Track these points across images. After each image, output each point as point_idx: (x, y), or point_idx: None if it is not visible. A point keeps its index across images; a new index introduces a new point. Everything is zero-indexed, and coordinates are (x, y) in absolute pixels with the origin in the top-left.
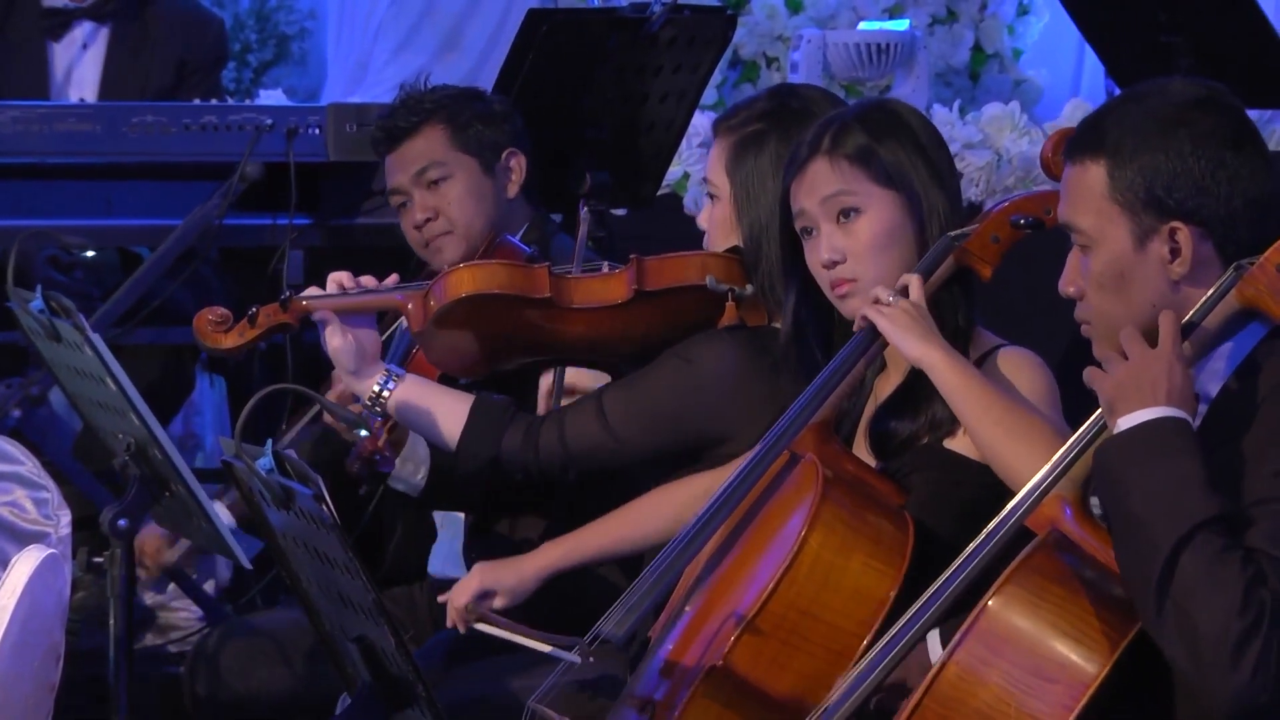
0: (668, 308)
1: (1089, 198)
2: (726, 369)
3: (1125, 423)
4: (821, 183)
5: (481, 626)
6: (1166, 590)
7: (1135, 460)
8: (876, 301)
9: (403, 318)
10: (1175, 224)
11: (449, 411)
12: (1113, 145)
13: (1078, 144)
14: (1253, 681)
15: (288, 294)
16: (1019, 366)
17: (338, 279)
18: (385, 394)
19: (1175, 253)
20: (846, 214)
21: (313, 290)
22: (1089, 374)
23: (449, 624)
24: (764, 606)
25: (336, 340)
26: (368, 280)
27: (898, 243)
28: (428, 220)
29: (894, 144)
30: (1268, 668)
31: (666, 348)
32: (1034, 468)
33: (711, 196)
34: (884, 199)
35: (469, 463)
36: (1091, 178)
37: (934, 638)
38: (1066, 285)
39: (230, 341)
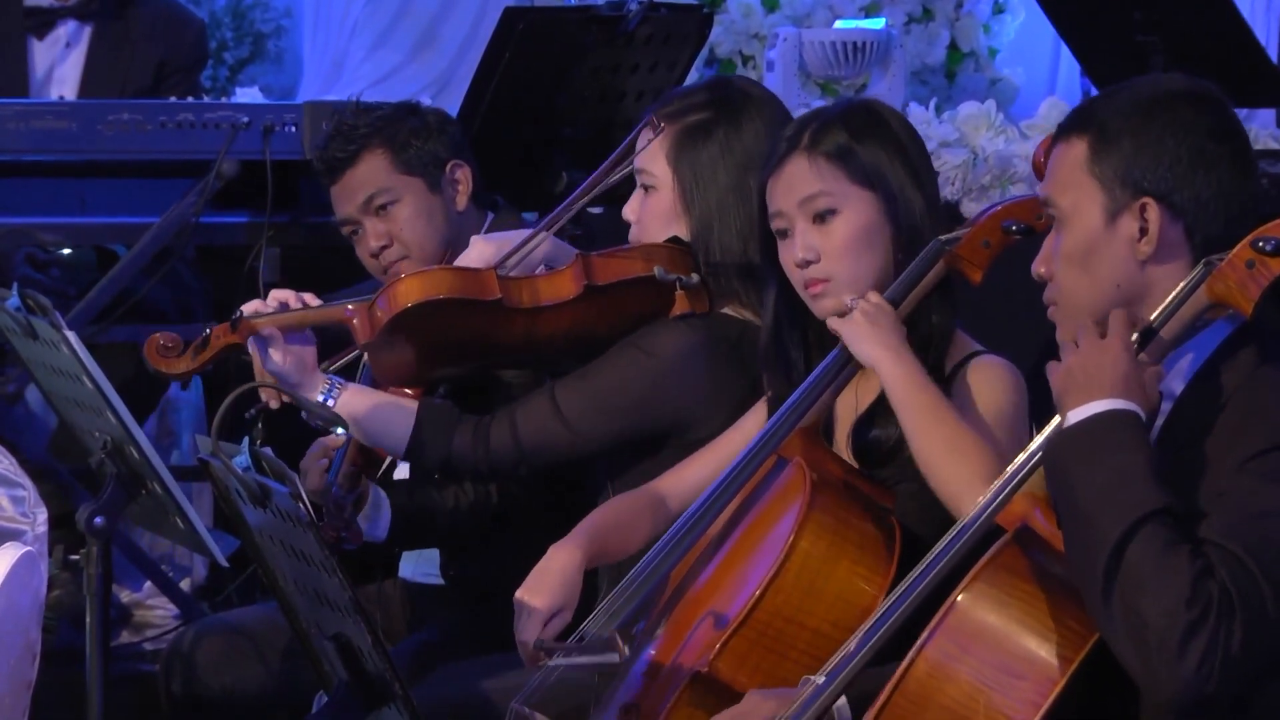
0: (616, 301)
1: (1069, 171)
2: (685, 356)
3: (1073, 416)
4: (799, 183)
5: (557, 661)
6: (1113, 582)
7: (1081, 454)
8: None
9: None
10: (1146, 200)
11: (395, 415)
12: (1099, 123)
13: (1068, 123)
14: (1199, 673)
15: (238, 315)
16: (987, 378)
17: (280, 296)
18: (330, 403)
19: (1144, 231)
20: (823, 216)
21: (257, 307)
22: (1049, 367)
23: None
24: (750, 613)
25: (278, 356)
26: (309, 297)
27: (873, 244)
28: (383, 248)
29: (874, 144)
30: (1214, 660)
31: (614, 343)
32: (969, 489)
33: (646, 187)
34: (861, 199)
35: (420, 465)
36: (1074, 152)
37: (842, 703)
38: (1038, 266)
39: (183, 366)
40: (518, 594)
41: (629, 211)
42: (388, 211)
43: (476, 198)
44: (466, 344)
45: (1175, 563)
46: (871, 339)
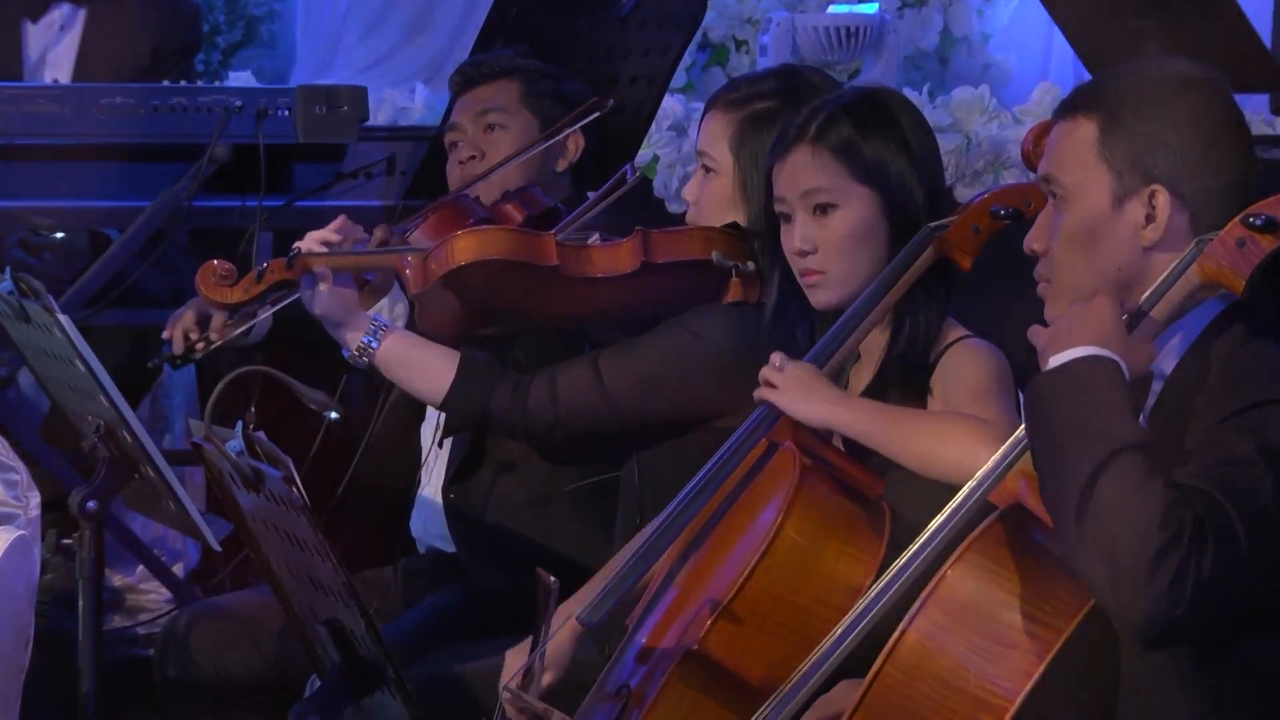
0: (670, 281)
1: (1076, 151)
2: (732, 345)
3: (1054, 361)
4: (802, 174)
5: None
6: (1085, 510)
7: (1059, 392)
8: (764, 380)
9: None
10: (1156, 187)
11: (436, 366)
12: (1110, 105)
13: (1072, 102)
14: (1170, 592)
15: (295, 251)
16: (964, 358)
17: (320, 236)
18: (373, 347)
19: (1150, 218)
20: (823, 209)
21: (314, 245)
22: (1032, 331)
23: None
24: (739, 592)
25: (326, 294)
26: (352, 230)
27: (870, 241)
28: (471, 158)
29: (879, 139)
30: (1185, 582)
31: (659, 323)
32: (974, 456)
33: (707, 169)
34: (861, 197)
35: (456, 417)
36: (1082, 133)
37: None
38: (1033, 241)
39: (235, 297)
40: (508, 652)
41: (688, 193)
42: (493, 133)
43: (577, 175)
44: (515, 306)
45: (1149, 491)
46: (810, 399)
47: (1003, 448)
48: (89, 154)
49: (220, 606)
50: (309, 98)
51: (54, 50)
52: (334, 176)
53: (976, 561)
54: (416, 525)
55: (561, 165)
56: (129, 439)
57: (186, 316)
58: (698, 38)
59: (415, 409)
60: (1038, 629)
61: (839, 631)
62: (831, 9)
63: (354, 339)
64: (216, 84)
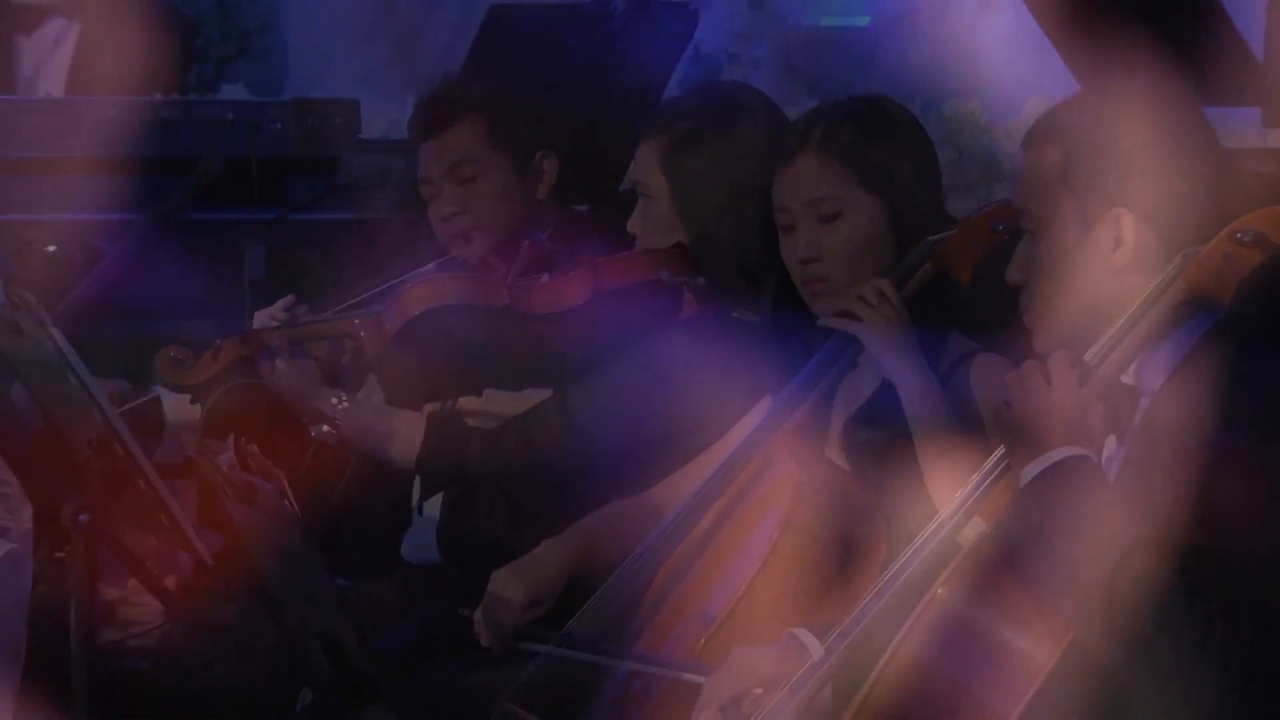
0: (625, 306)
1: (1040, 182)
2: (695, 360)
3: (1029, 472)
4: (808, 182)
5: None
6: (1111, 625)
7: (1045, 508)
8: (861, 299)
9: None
10: (1120, 210)
11: (404, 430)
12: (1068, 132)
13: (1035, 132)
14: (1222, 680)
15: (248, 328)
16: (990, 379)
17: (271, 313)
18: (338, 420)
19: (1119, 241)
20: (828, 218)
21: (265, 320)
22: (996, 412)
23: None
24: (734, 610)
25: (286, 369)
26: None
27: (875, 249)
28: (455, 214)
29: (883, 145)
30: (1233, 667)
31: (621, 348)
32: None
33: (645, 197)
34: (868, 205)
35: (431, 478)
36: (1045, 162)
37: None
38: (1013, 272)
39: (196, 378)
40: (497, 574)
41: (632, 225)
42: (469, 184)
43: (561, 191)
44: (475, 354)
45: (1166, 588)
46: (897, 348)
47: (987, 462)
48: (82, 167)
49: (212, 620)
50: (302, 111)
51: (47, 64)
52: (327, 189)
53: (967, 581)
54: (407, 541)
55: (542, 192)
56: (121, 452)
57: None
58: (690, 50)
59: None
60: (1030, 650)
61: (830, 642)
62: (823, 22)
63: (318, 412)
64: (209, 97)
